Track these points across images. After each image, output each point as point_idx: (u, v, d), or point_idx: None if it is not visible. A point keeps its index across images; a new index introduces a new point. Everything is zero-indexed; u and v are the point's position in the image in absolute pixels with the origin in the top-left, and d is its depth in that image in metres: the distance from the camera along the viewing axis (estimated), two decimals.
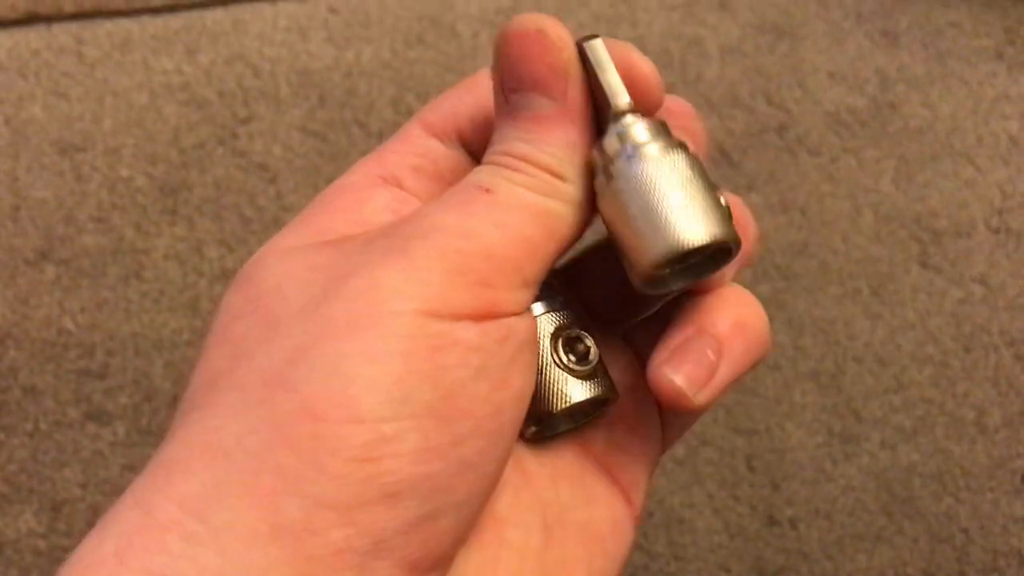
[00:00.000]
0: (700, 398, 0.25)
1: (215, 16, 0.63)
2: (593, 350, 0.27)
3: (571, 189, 0.25)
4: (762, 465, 0.55)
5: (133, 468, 0.52)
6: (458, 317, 0.22)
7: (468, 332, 0.22)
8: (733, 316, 0.26)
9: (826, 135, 0.65)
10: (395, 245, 0.23)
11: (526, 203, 0.24)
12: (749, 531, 0.54)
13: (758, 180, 0.63)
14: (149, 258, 0.56)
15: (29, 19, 0.61)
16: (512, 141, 0.25)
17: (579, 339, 0.27)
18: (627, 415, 0.28)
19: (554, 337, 0.26)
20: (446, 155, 0.28)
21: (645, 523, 0.53)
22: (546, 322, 0.26)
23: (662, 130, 0.25)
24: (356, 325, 0.21)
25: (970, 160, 0.65)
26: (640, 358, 0.29)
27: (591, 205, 0.26)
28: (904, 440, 0.57)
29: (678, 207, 0.24)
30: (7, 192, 0.57)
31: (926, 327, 0.60)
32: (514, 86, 0.25)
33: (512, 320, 0.24)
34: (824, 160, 0.64)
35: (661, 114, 0.26)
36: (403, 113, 0.62)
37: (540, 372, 0.26)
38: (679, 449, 0.55)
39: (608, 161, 0.25)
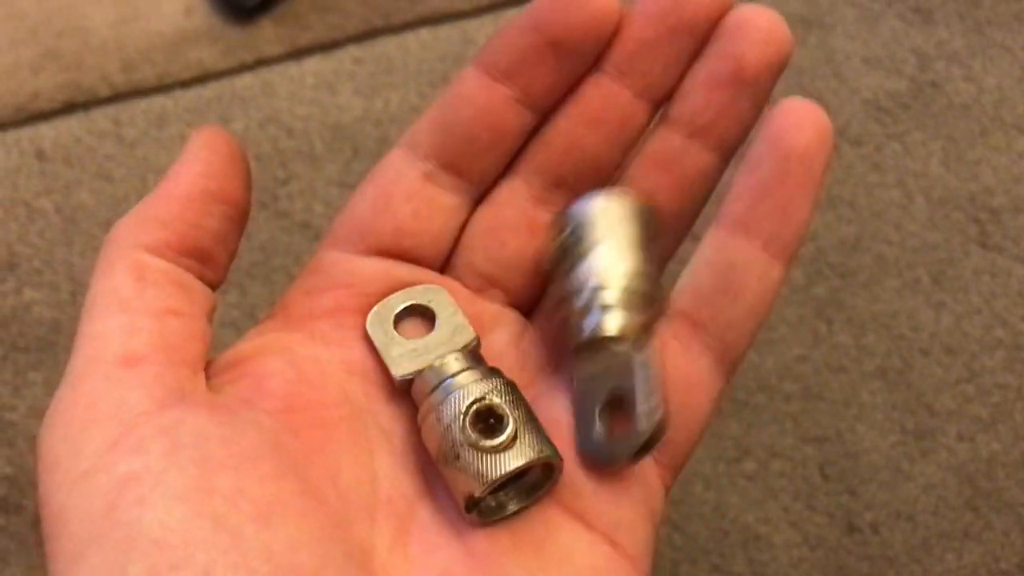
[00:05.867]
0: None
1: (244, 82, 0.64)
2: (508, 417, 0.25)
3: None
4: (836, 472, 0.54)
5: None
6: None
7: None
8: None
9: (867, 123, 0.63)
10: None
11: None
12: (830, 541, 0.53)
13: None
14: None
15: (68, 108, 0.63)
16: None
17: (489, 410, 0.25)
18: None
19: (465, 413, 0.25)
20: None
21: (722, 543, 0.52)
22: (462, 396, 0.25)
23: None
24: None
25: (1021, 131, 0.62)
26: None
27: None
28: (982, 430, 0.55)
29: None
30: (65, 279, 0.59)
31: (993, 310, 0.58)
32: None
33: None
34: (868, 149, 0.62)
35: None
36: None
37: (456, 455, 0.24)
38: (748, 464, 0.54)
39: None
